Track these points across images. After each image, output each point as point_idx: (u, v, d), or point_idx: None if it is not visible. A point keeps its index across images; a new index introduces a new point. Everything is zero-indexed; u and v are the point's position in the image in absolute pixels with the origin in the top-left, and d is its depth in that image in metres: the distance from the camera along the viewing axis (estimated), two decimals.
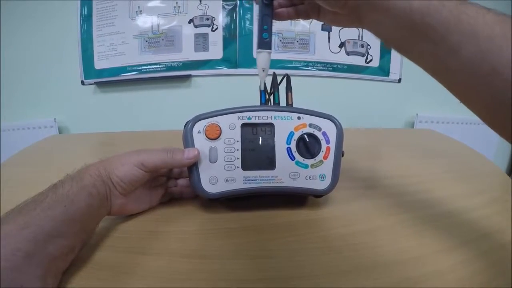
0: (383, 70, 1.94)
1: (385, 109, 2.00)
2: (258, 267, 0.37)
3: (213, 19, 1.81)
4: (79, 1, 1.78)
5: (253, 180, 0.46)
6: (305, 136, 0.47)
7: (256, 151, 0.47)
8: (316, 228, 0.45)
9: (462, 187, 0.59)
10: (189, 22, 1.80)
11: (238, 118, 0.46)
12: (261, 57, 0.50)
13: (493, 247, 0.40)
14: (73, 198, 0.35)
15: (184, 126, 0.47)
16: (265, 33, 0.48)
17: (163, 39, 1.81)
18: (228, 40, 1.82)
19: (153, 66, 1.83)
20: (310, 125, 0.47)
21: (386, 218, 0.48)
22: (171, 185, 0.52)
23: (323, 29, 1.86)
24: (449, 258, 0.38)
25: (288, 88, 0.55)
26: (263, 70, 0.50)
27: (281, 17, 0.47)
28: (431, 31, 0.29)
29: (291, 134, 0.47)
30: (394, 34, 0.34)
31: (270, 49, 0.49)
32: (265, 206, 0.50)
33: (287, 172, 0.46)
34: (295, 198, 0.52)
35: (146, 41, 1.81)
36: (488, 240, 0.42)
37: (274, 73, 0.55)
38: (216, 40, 1.82)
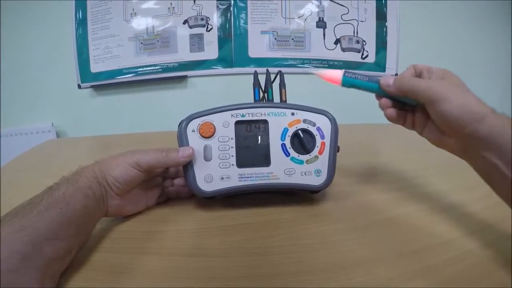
0: (379, 65, 1.94)
1: None
2: (255, 264, 0.37)
3: (208, 19, 1.81)
4: (73, 5, 1.78)
5: (248, 177, 0.46)
6: (300, 132, 0.47)
7: (251, 148, 0.47)
8: (313, 224, 0.45)
9: (460, 180, 0.59)
10: (184, 23, 1.80)
11: (232, 115, 0.47)
12: None
13: (492, 239, 0.40)
14: (68, 200, 0.35)
15: (178, 125, 0.47)
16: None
17: (158, 41, 1.81)
18: (223, 40, 1.82)
19: (149, 68, 1.83)
20: (304, 121, 0.47)
21: (383, 213, 0.48)
22: (167, 185, 0.52)
23: (318, 26, 1.86)
24: (448, 251, 0.38)
25: (282, 85, 0.55)
26: None
27: (387, 117, 0.45)
28: None
29: (285, 130, 0.47)
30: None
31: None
32: (261, 203, 0.50)
33: (282, 169, 0.47)
34: (291, 195, 0.53)
35: (142, 43, 1.81)
36: (488, 232, 0.42)
37: (267, 70, 0.55)
38: (211, 40, 1.82)
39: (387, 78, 0.42)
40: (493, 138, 0.32)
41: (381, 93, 0.44)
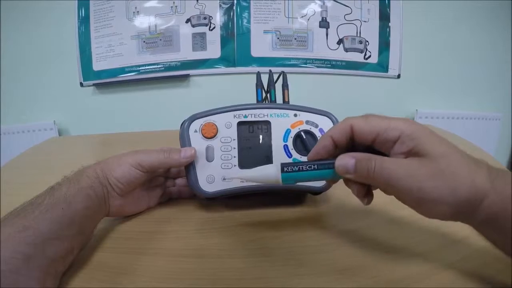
0: (382, 66, 1.94)
1: (384, 105, 2.00)
2: (257, 266, 0.37)
3: (210, 18, 1.81)
4: (76, 3, 1.78)
5: None
6: (302, 133, 0.47)
7: (253, 149, 0.47)
8: (315, 225, 0.45)
9: None
10: (187, 22, 1.80)
11: (234, 116, 0.47)
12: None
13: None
14: (70, 200, 0.35)
15: (181, 126, 0.47)
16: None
17: (160, 39, 1.81)
18: (225, 39, 1.82)
19: (151, 67, 1.83)
20: (307, 122, 0.47)
21: (386, 215, 0.48)
22: (169, 185, 0.52)
23: (321, 26, 1.86)
24: (454, 253, 0.38)
25: (285, 86, 0.55)
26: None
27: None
28: None
29: (287, 132, 0.47)
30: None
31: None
32: (263, 204, 0.50)
33: None
34: (293, 196, 0.52)
35: (144, 41, 1.81)
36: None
37: (270, 70, 0.55)
38: (213, 39, 1.82)
39: (344, 162, 0.32)
40: (492, 221, 0.28)
41: (336, 178, 0.35)
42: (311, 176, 0.35)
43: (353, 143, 0.34)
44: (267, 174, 0.36)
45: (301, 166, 0.35)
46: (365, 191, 0.35)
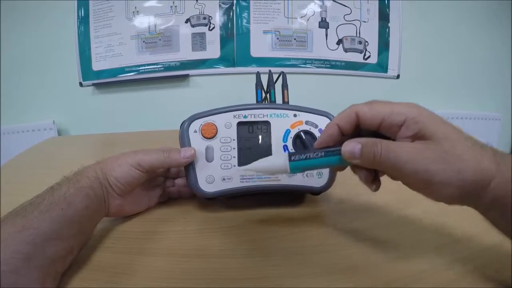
0: (381, 66, 1.94)
1: None
2: (257, 266, 0.37)
3: (210, 18, 1.81)
4: (76, 3, 1.78)
5: (250, 178, 0.46)
6: (302, 133, 0.47)
7: (253, 149, 0.47)
8: (315, 225, 0.45)
9: None
10: (186, 22, 1.81)
11: (234, 116, 0.47)
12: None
13: (494, 243, 0.40)
14: (70, 200, 0.35)
15: (180, 126, 0.47)
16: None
17: (160, 39, 1.81)
18: (225, 39, 1.83)
19: (151, 66, 1.83)
20: (307, 122, 0.47)
21: (386, 215, 0.48)
22: (168, 185, 0.52)
23: (320, 26, 1.86)
24: (452, 253, 0.38)
25: (284, 86, 0.55)
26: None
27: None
28: None
29: (287, 132, 0.47)
30: None
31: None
32: (262, 205, 0.50)
33: None
34: (293, 196, 0.53)
35: (144, 41, 1.81)
36: (489, 236, 0.42)
37: (270, 71, 0.55)
38: (213, 39, 1.82)
39: (350, 147, 0.32)
40: (497, 204, 0.28)
41: (343, 164, 0.35)
42: (318, 163, 0.35)
43: (359, 131, 0.35)
44: (276, 164, 0.36)
45: (308, 154, 0.35)
46: (373, 177, 0.35)
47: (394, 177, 0.33)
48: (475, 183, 0.28)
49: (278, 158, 0.36)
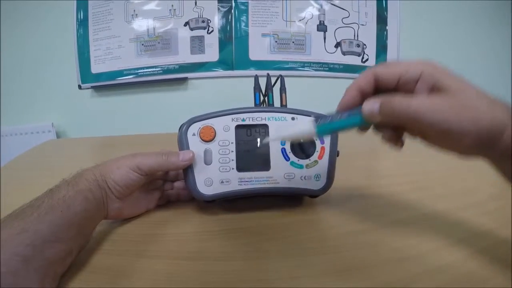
0: None
1: None
2: (255, 268, 0.37)
3: (209, 21, 1.81)
4: (75, 6, 1.79)
5: (248, 181, 0.46)
6: None
7: (251, 152, 0.47)
8: (312, 228, 0.45)
9: (459, 185, 0.59)
10: (185, 25, 1.81)
11: (232, 119, 0.47)
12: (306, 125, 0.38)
13: (491, 244, 0.40)
14: (69, 203, 0.35)
15: (179, 129, 0.47)
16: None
17: (159, 42, 1.82)
18: (224, 42, 1.83)
19: (149, 69, 1.83)
20: None
21: (383, 218, 0.48)
22: (167, 188, 0.53)
23: (318, 29, 1.87)
24: (449, 255, 0.38)
25: (282, 89, 0.55)
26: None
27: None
28: None
29: None
30: None
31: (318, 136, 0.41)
32: (261, 207, 0.50)
33: (282, 173, 0.47)
34: (291, 199, 0.53)
35: (142, 44, 1.81)
36: (486, 237, 0.42)
37: (268, 74, 0.56)
38: (212, 42, 1.83)
39: (369, 105, 0.33)
40: (508, 153, 0.29)
41: (365, 125, 0.36)
42: (342, 125, 0.36)
43: (377, 92, 0.36)
44: (303, 129, 0.38)
45: (332, 117, 0.37)
46: (396, 136, 0.36)
47: (413, 132, 0.35)
48: (490, 133, 0.29)
49: (304, 124, 0.38)
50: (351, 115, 0.35)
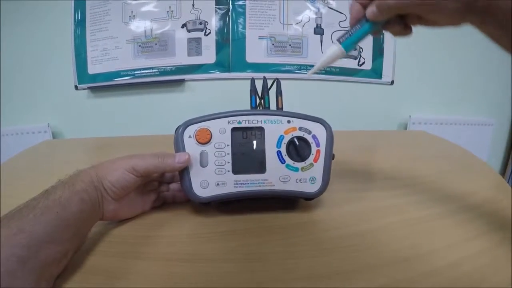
0: (376, 72, 1.95)
1: (378, 112, 2.01)
2: (251, 270, 0.37)
3: (206, 23, 1.81)
4: (72, 6, 1.78)
5: (243, 183, 0.46)
6: (295, 139, 0.47)
7: (247, 155, 0.47)
8: (308, 230, 0.46)
9: (456, 187, 0.59)
10: (182, 27, 1.81)
11: (229, 122, 0.47)
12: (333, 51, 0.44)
13: (487, 246, 0.41)
14: (65, 204, 0.35)
15: (175, 131, 0.47)
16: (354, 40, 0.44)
17: (156, 44, 1.81)
18: (221, 44, 1.83)
19: (146, 71, 1.83)
20: (300, 129, 0.48)
21: (378, 220, 0.48)
22: (163, 189, 0.53)
23: (315, 32, 1.88)
24: (444, 258, 0.39)
25: (278, 92, 0.56)
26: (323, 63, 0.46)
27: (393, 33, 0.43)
28: None
29: (281, 138, 0.48)
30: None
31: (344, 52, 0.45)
32: (256, 210, 0.50)
33: (277, 176, 0.47)
34: (286, 201, 0.53)
35: (140, 45, 1.81)
36: (481, 240, 0.43)
37: (264, 77, 0.56)
38: (209, 44, 1.83)
39: (370, 9, 0.40)
40: (490, 14, 0.33)
41: (375, 28, 0.42)
42: (359, 35, 0.43)
43: None
44: (333, 52, 0.44)
45: (350, 32, 0.43)
46: (402, 29, 0.41)
47: (413, 20, 0.40)
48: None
49: (331, 48, 0.44)
50: (362, 25, 0.42)
